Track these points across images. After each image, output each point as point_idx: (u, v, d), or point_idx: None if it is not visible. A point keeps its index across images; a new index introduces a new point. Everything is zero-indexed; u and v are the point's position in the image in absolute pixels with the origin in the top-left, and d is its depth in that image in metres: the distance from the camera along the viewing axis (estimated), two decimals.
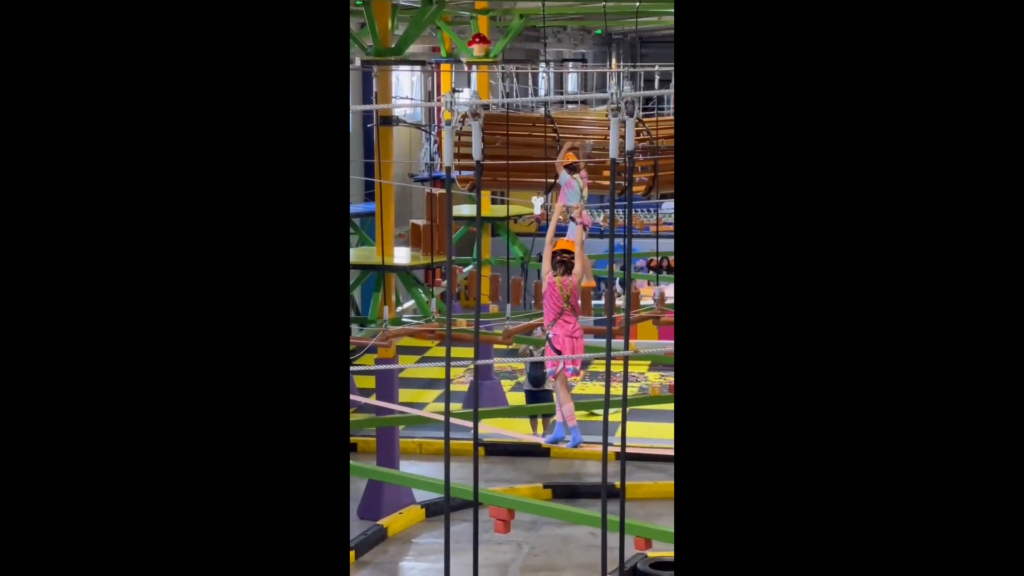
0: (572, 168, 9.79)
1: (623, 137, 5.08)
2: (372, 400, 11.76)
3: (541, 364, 12.37)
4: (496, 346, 11.94)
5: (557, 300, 7.69)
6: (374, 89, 11.75)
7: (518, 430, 12.10)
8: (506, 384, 15.38)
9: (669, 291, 13.42)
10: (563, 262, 7.75)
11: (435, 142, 17.20)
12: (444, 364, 5.13)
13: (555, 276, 7.72)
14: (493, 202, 14.64)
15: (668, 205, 21.61)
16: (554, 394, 8.47)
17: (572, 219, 9.49)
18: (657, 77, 15.02)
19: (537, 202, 11.44)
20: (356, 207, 15.55)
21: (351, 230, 14.54)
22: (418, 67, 16.76)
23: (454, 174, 9.92)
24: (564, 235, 9.15)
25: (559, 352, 7.71)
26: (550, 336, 7.75)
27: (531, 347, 11.29)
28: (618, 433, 6.45)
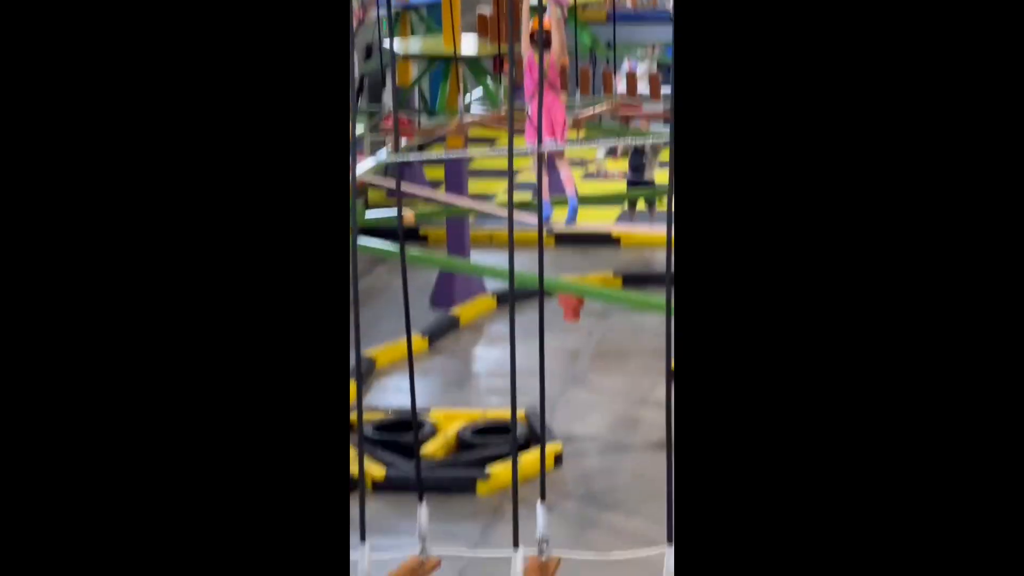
0: None
1: None
2: (441, 192, 11.82)
3: (640, 152, 12.34)
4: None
5: (535, 75, 7.81)
6: None
7: (589, 219, 12.14)
8: (576, 172, 15.34)
9: None
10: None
11: None
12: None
13: (534, 53, 7.82)
14: None
15: None
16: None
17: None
18: None
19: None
20: None
21: (418, 19, 14.35)
22: None
23: None
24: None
25: (535, 126, 7.84)
26: (528, 113, 7.91)
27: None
28: None
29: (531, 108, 7.94)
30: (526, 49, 7.91)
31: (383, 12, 11.12)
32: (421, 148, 11.21)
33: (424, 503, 5.08)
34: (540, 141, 6.05)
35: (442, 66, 11.94)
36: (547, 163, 8.62)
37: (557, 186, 14.22)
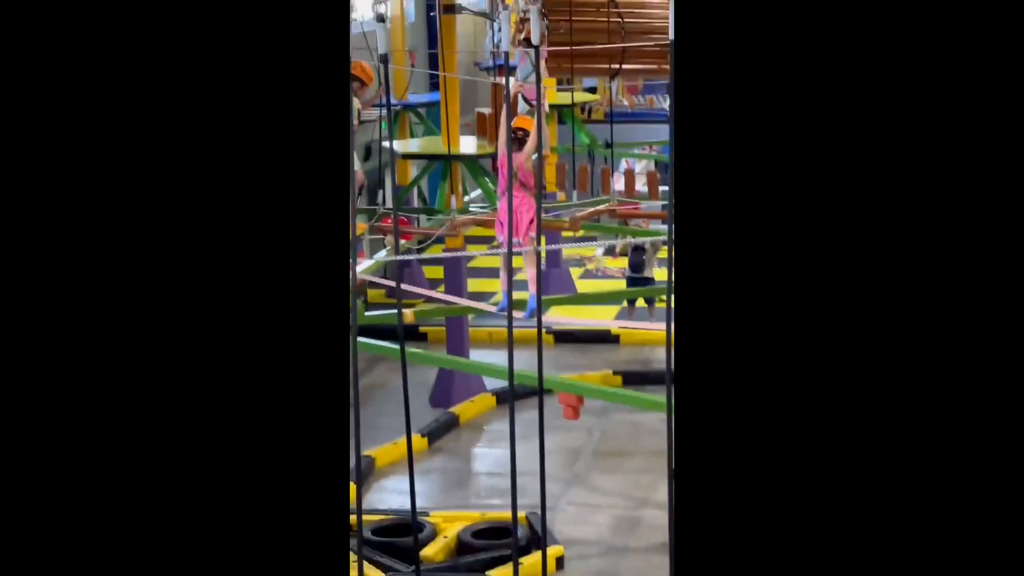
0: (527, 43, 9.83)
1: None
2: (440, 291, 11.83)
3: (640, 250, 12.39)
4: (564, 233, 11.92)
5: (506, 173, 7.82)
6: None
7: (588, 317, 12.12)
8: (574, 272, 15.38)
9: None
10: (517, 139, 8.06)
11: (499, 29, 17.01)
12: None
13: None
14: (559, 90, 14.50)
15: None
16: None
17: (522, 96, 9.61)
18: None
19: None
20: (421, 97, 15.48)
21: (417, 120, 14.48)
22: None
23: (513, 62, 9.82)
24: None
25: (503, 223, 8.02)
26: (497, 208, 7.98)
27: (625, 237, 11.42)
28: None
29: (499, 206, 7.99)
30: (502, 148, 7.94)
31: (383, 112, 11.22)
32: (420, 247, 11.25)
33: None
34: (510, 241, 6.15)
35: (441, 166, 12.02)
36: (533, 260, 8.62)
37: (557, 285, 14.31)
